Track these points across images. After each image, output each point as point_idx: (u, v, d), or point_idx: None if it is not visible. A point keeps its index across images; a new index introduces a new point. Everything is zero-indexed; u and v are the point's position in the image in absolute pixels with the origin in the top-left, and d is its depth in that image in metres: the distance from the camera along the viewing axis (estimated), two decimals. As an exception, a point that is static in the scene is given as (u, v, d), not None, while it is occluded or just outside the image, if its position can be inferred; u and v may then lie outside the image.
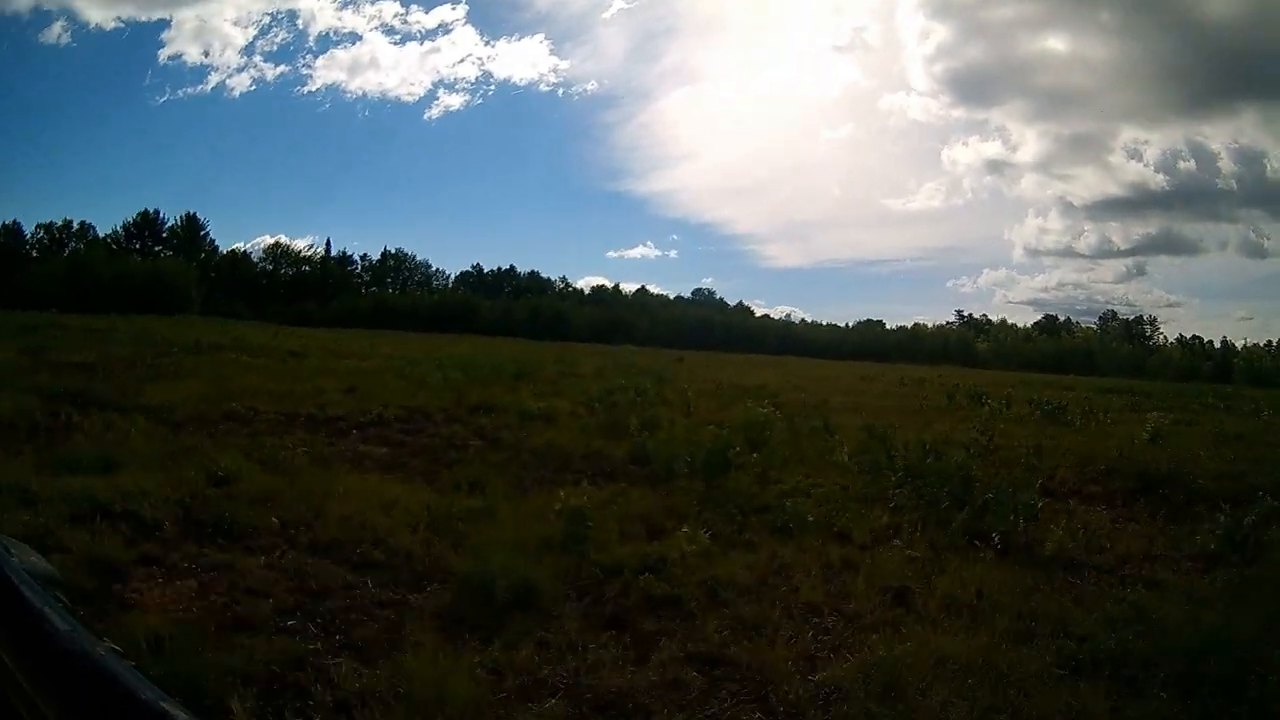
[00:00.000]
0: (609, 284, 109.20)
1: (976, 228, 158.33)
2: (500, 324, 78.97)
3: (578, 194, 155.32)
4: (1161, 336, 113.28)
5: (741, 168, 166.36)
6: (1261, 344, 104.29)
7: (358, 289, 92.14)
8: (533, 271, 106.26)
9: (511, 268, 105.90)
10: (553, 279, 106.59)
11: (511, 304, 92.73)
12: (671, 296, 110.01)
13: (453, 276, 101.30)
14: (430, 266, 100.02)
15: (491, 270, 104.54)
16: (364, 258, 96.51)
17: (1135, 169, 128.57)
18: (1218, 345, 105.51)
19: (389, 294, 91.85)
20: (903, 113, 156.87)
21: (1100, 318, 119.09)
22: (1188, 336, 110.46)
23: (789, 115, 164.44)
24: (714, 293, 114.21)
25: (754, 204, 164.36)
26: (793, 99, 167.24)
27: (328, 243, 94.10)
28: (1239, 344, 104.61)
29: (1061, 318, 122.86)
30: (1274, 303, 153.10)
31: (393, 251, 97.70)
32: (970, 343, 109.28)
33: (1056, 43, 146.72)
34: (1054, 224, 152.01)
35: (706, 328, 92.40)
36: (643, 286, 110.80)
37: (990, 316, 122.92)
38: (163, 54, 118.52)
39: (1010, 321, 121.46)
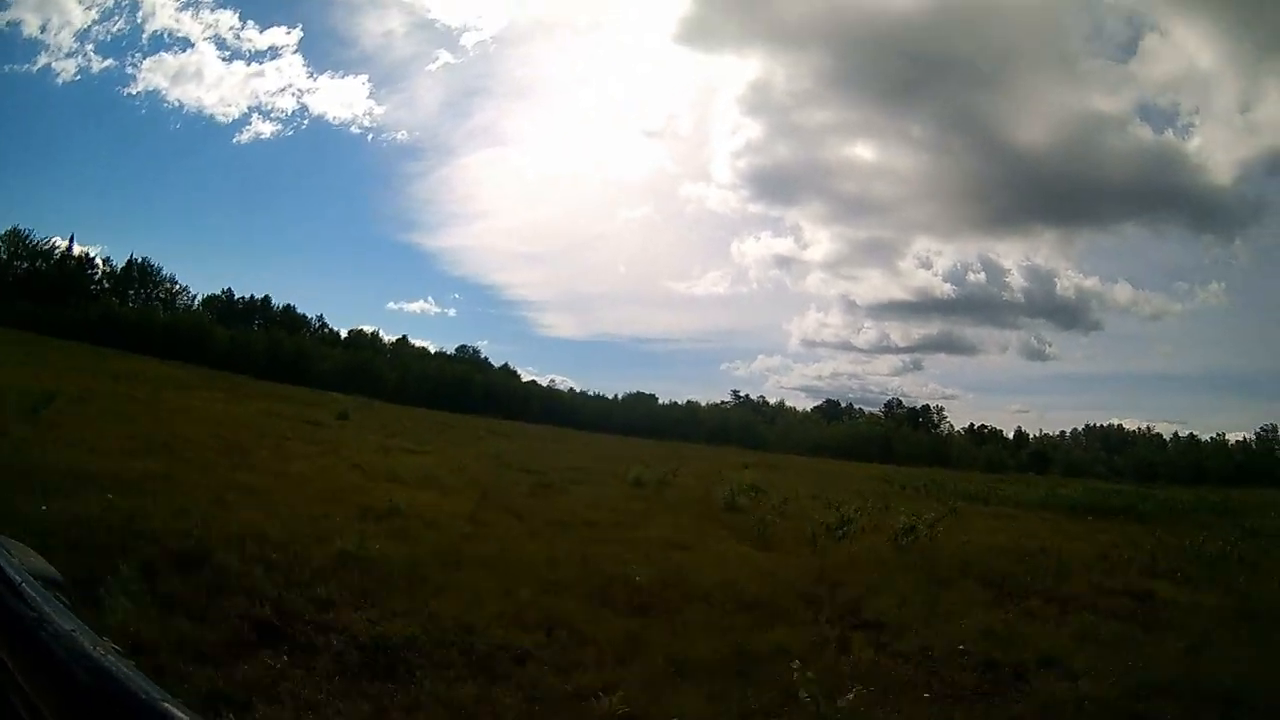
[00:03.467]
0: (369, 330, 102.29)
1: (756, 316, 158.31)
2: (236, 356, 71.04)
3: (368, 240, 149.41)
4: (947, 425, 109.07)
5: (533, 234, 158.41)
6: (1054, 433, 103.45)
7: (94, 296, 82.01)
8: (288, 306, 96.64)
9: (266, 298, 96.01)
10: (309, 317, 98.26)
11: (251, 336, 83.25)
12: (433, 351, 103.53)
13: (199, 298, 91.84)
14: (176, 284, 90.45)
15: (243, 298, 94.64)
16: (107, 261, 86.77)
17: (924, 276, 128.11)
18: (1009, 435, 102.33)
19: (118, 306, 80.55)
20: (700, 201, 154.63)
21: (886, 405, 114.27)
22: (975, 426, 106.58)
23: (588, 190, 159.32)
24: (478, 351, 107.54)
25: (539, 271, 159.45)
26: (595, 175, 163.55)
27: (70, 239, 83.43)
28: (1030, 434, 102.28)
29: (841, 404, 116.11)
30: (1050, 397, 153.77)
31: (139, 261, 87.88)
32: (753, 423, 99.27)
33: (864, 150, 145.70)
34: (834, 319, 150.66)
35: (464, 387, 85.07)
36: (403, 337, 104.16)
37: (767, 399, 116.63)
38: (1, 18, 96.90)
39: (788, 405, 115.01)
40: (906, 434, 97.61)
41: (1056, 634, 8.43)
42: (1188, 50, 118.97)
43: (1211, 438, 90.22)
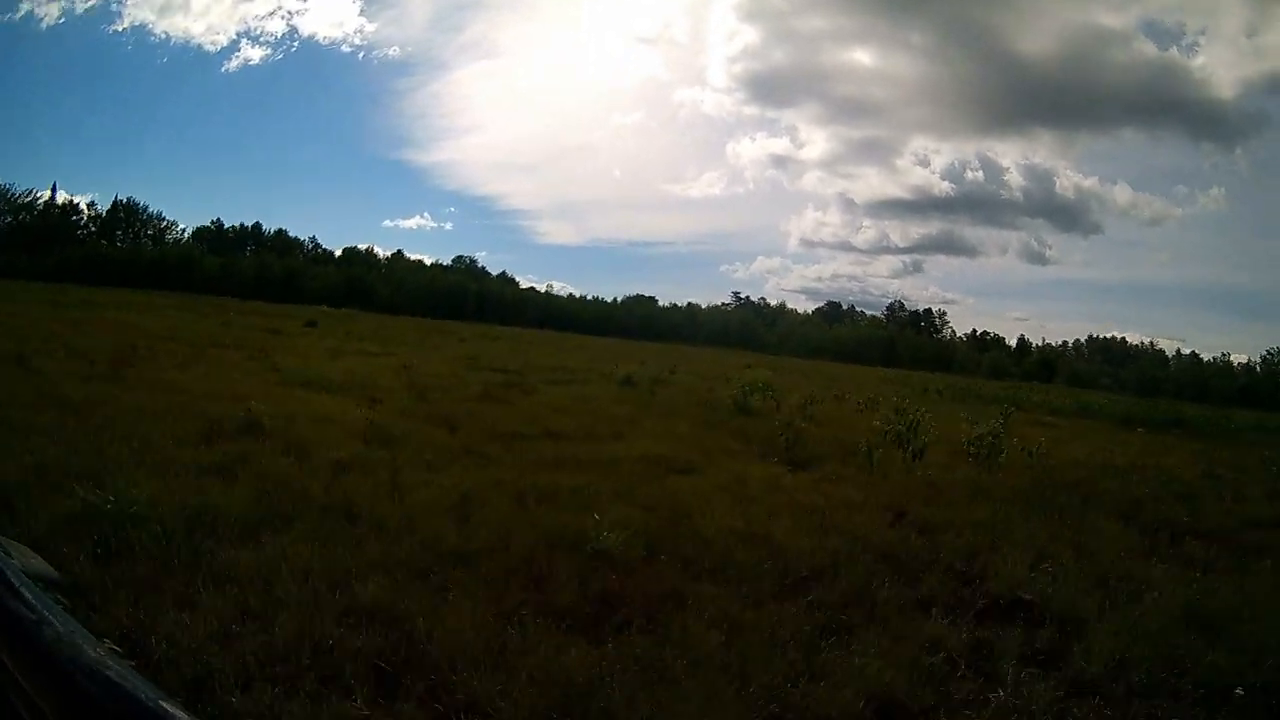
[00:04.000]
0: (363, 247, 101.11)
1: (754, 217, 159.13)
2: (226, 282, 70.57)
3: (361, 160, 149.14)
4: (949, 330, 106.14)
5: (526, 144, 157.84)
6: (1056, 344, 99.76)
7: (81, 241, 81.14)
8: (280, 230, 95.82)
9: (256, 225, 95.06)
10: (302, 239, 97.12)
11: (240, 261, 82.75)
12: (429, 263, 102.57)
13: (189, 231, 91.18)
14: (164, 220, 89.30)
15: (233, 227, 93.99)
16: (91, 206, 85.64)
17: (922, 174, 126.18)
18: (1011, 343, 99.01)
19: (103, 246, 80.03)
20: (695, 106, 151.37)
21: (888, 308, 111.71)
22: (977, 332, 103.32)
23: (582, 97, 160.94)
24: (475, 261, 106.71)
25: (534, 180, 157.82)
26: (588, 82, 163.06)
27: (52, 188, 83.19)
28: (1033, 343, 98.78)
29: (843, 306, 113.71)
30: (1051, 304, 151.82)
31: (124, 201, 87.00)
32: (753, 325, 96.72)
33: (863, 56, 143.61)
34: (833, 218, 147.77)
35: (459, 296, 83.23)
36: (398, 251, 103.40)
37: (768, 300, 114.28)
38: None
39: (789, 307, 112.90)
40: (910, 338, 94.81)
41: (1265, 601, 5.21)
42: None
43: (1214, 358, 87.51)
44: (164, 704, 0.70)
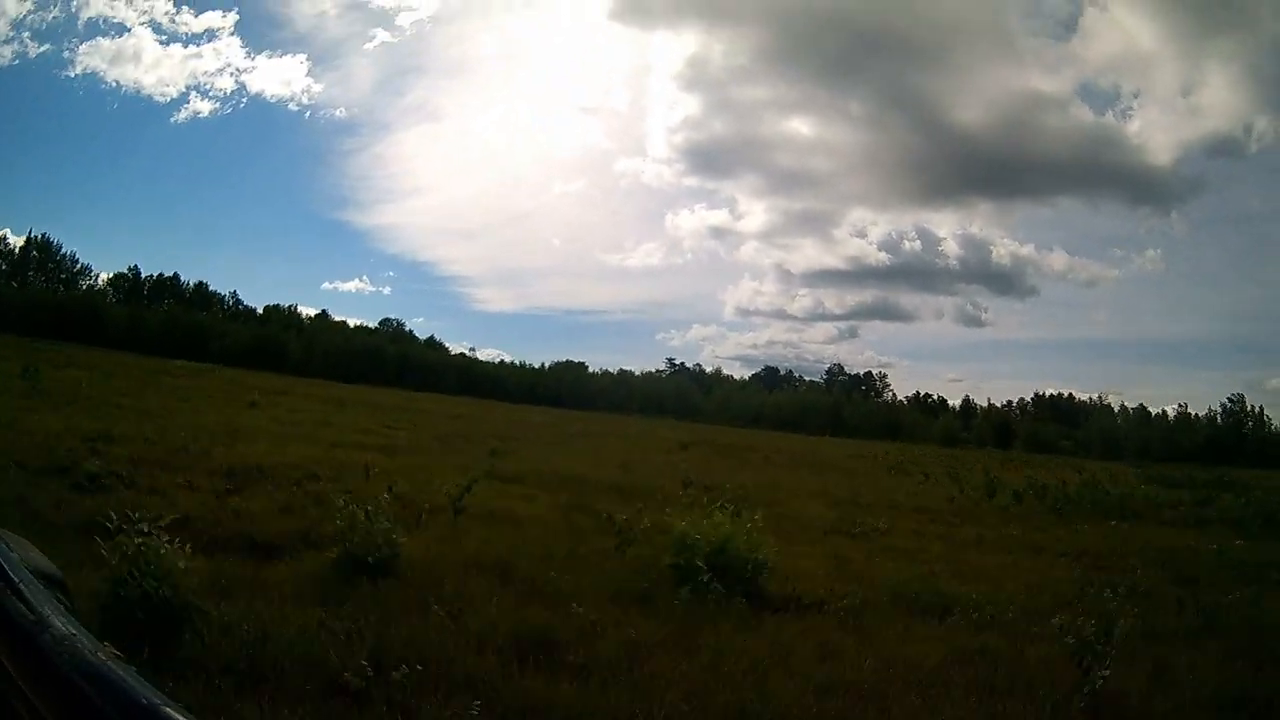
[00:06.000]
0: (285, 306, 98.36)
1: (690, 286, 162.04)
2: (130, 335, 68.61)
3: (303, 218, 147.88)
4: (890, 393, 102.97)
5: (467, 209, 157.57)
6: (999, 404, 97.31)
7: None
8: (200, 283, 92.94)
9: (175, 276, 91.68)
10: (223, 294, 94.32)
11: (144, 312, 79.62)
12: (353, 325, 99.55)
13: (104, 278, 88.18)
14: (78, 263, 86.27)
15: (149, 276, 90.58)
16: (3, 240, 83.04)
17: (859, 245, 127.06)
18: (954, 404, 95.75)
19: (12, 289, 77.09)
20: (635, 176, 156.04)
21: (827, 372, 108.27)
22: (920, 394, 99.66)
23: (523, 165, 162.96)
24: (402, 324, 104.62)
25: (473, 247, 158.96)
26: (530, 151, 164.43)
27: None
28: (978, 404, 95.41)
29: (780, 371, 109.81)
30: (986, 365, 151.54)
31: (38, 238, 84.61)
32: (689, 392, 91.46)
33: (802, 126, 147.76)
34: (769, 287, 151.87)
35: (377, 359, 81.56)
36: (323, 311, 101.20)
37: (704, 367, 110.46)
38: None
39: (725, 373, 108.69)
40: (857, 403, 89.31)
41: None
42: (1128, 28, 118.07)
43: (1163, 411, 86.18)
44: (166, 709, 0.68)
